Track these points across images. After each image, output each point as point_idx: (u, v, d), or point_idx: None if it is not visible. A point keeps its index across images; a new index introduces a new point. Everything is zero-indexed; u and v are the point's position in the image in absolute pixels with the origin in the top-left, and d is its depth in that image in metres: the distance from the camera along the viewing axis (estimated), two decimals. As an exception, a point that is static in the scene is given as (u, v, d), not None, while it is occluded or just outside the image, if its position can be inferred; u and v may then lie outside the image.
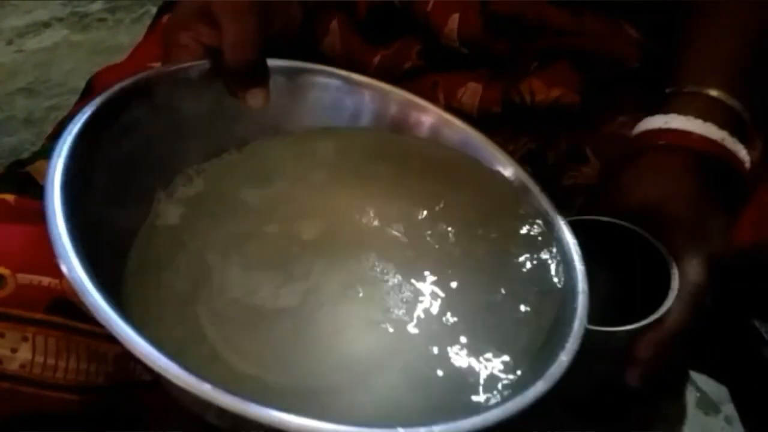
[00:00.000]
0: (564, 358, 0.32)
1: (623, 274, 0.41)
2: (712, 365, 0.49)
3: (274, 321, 0.35)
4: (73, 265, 0.31)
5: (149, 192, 0.40)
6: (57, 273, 0.41)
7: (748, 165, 0.44)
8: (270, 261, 0.38)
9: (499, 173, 0.43)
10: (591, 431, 0.43)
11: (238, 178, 0.42)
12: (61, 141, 0.35)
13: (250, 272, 0.37)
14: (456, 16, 0.51)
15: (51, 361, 0.41)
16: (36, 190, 0.45)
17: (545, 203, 0.41)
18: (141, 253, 0.38)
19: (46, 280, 0.40)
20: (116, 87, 0.39)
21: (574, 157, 0.52)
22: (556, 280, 0.37)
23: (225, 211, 0.40)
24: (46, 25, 1.37)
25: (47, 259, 0.40)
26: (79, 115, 0.36)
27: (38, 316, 0.40)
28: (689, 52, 0.47)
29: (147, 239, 0.38)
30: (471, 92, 0.52)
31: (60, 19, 1.38)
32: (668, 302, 0.38)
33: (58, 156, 0.34)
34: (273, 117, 0.44)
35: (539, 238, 0.39)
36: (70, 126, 0.36)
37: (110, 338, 0.42)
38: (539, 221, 0.40)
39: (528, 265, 0.38)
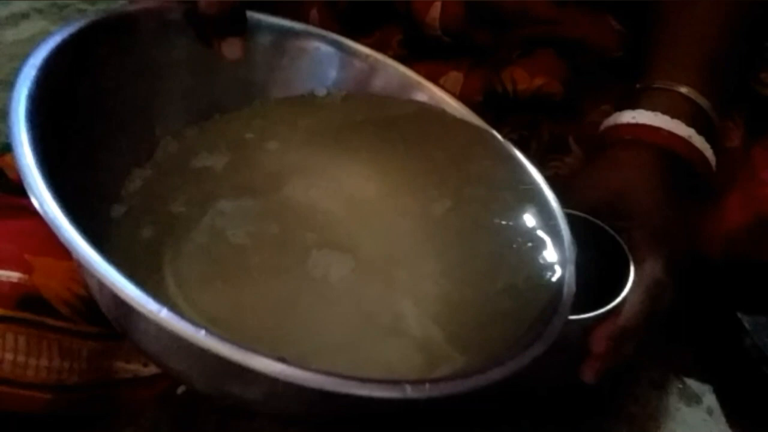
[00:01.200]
0: (557, 323, 0.32)
1: (589, 267, 0.41)
2: (695, 357, 0.49)
3: (243, 278, 0.34)
4: (42, 196, 0.28)
5: (123, 145, 0.38)
6: (27, 268, 0.40)
7: (713, 164, 0.44)
8: (242, 219, 0.36)
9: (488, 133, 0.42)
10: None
11: (213, 143, 0.40)
12: (26, 66, 0.33)
13: (220, 227, 0.36)
14: (438, 5, 0.50)
15: (21, 358, 0.40)
16: (5, 184, 0.43)
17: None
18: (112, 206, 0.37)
19: (15, 276, 0.40)
20: (85, 21, 0.36)
21: (556, 147, 0.52)
22: (546, 252, 0.36)
23: (197, 175, 0.38)
24: (25, 16, 1.34)
25: (17, 254, 0.40)
26: (47, 42, 0.34)
27: (8, 312, 0.39)
28: (661, 48, 0.47)
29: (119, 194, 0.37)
30: (452, 81, 0.51)
31: (39, 11, 1.35)
32: (622, 294, 0.38)
33: (24, 81, 0.32)
34: (256, 79, 0.43)
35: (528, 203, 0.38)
36: (37, 51, 0.33)
37: (84, 335, 0.42)
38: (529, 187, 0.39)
39: (520, 234, 0.37)
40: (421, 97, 0.44)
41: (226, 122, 0.41)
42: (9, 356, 0.39)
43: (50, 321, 0.40)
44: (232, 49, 0.40)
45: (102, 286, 0.28)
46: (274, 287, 0.34)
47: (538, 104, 0.51)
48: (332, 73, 0.44)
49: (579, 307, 0.37)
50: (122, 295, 0.26)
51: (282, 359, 0.25)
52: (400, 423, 0.37)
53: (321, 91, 0.44)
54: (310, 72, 0.44)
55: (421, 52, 0.52)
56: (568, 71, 0.51)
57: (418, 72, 0.51)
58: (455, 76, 0.51)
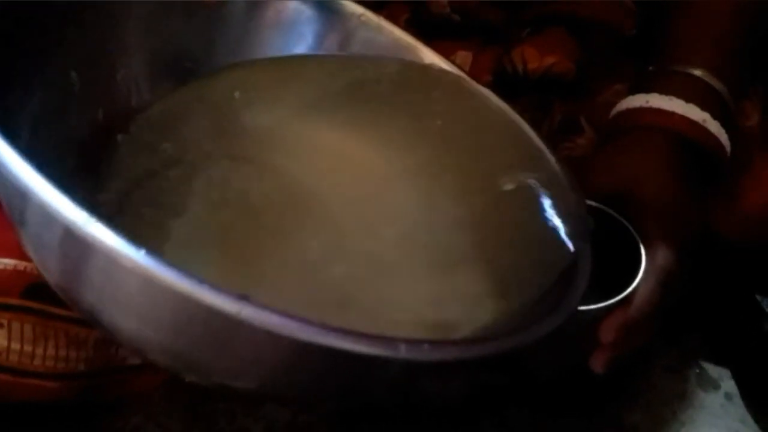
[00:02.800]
0: (575, 294, 0.30)
1: (601, 256, 0.40)
2: (712, 341, 0.48)
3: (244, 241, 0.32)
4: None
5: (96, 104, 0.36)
6: (31, 257, 0.39)
7: (728, 149, 0.43)
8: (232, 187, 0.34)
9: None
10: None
11: (194, 108, 0.38)
12: None
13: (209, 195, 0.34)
14: None
15: (28, 347, 0.39)
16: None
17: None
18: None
19: (21, 265, 0.39)
20: None
21: (568, 128, 0.50)
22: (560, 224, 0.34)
23: (180, 142, 0.36)
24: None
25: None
26: None
27: (14, 301, 0.39)
28: (675, 29, 0.46)
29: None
30: (461, 61, 0.50)
31: None
32: (633, 285, 0.37)
33: None
34: (242, 38, 0.41)
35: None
36: None
37: (89, 323, 0.41)
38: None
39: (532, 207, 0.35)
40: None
41: (206, 85, 0.39)
42: (15, 345, 0.39)
43: (56, 310, 0.40)
44: None
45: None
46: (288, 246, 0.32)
47: (549, 84, 0.50)
48: (313, 36, 0.43)
49: (590, 298, 0.36)
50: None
51: (244, 296, 0.21)
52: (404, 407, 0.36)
53: (303, 52, 0.42)
54: (291, 32, 0.42)
55: (429, 31, 0.51)
56: (580, 50, 0.50)
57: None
58: (464, 56, 0.50)
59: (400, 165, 0.36)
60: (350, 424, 0.42)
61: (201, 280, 0.21)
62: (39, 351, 0.40)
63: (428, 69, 0.42)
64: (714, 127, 0.42)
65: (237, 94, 0.39)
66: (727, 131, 0.43)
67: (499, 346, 0.26)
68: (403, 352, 0.23)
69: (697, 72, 0.43)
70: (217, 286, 0.21)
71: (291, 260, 0.32)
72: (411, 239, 0.34)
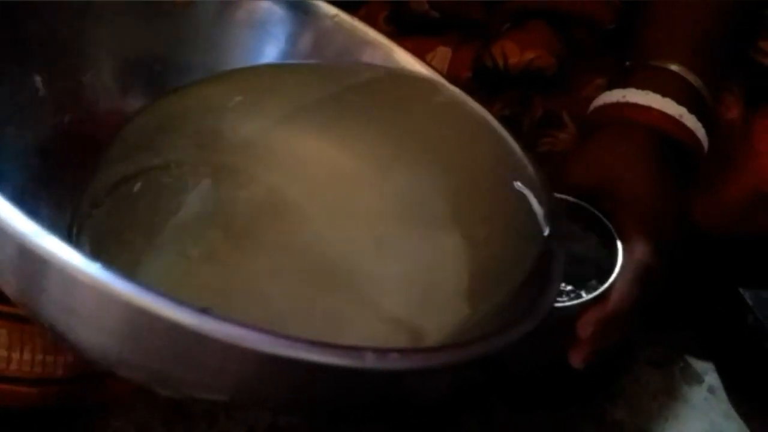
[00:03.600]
0: (549, 296, 0.30)
1: (578, 251, 0.40)
2: (696, 335, 0.48)
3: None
4: None
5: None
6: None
7: (705, 144, 0.43)
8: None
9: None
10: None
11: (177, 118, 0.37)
12: None
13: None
14: None
15: (4, 353, 0.39)
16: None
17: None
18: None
19: (-6, 269, 0.38)
20: None
21: (549, 123, 0.50)
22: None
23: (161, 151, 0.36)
24: None
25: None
26: None
27: (-13, 306, 0.38)
28: (651, 25, 0.45)
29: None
30: (440, 57, 0.50)
31: None
32: (609, 280, 0.37)
33: None
34: (213, 39, 0.40)
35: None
36: None
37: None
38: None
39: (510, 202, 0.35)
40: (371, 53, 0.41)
41: (186, 95, 0.38)
42: (-9, 351, 0.39)
43: (31, 314, 0.39)
44: None
45: None
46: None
47: (530, 79, 0.50)
48: (285, 36, 0.42)
49: (568, 293, 0.37)
50: None
51: (205, 310, 0.21)
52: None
53: (275, 53, 0.41)
54: (263, 33, 0.41)
55: (409, 28, 0.51)
56: (561, 44, 0.50)
57: (405, 48, 0.50)
58: (443, 51, 0.50)
59: (379, 170, 0.36)
60: (332, 425, 0.42)
61: (160, 293, 0.21)
62: (15, 356, 0.39)
63: (406, 75, 0.41)
64: (691, 121, 0.42)
65: (216, 105, 0.38)
66: (705, 126, 0.43)
67: (470, 353, 0.25)
68: (370, 362, 0.22)
69: (674, 67, 0.43)
70: (177, 300, 0.21)
71: (265, 269, 0.31)
72: (389, 242, 0.33)
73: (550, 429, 0.42)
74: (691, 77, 0.43)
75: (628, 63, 0.45)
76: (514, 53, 0.49)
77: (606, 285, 0.36)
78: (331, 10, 0.42)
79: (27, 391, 0.40)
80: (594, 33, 0.50)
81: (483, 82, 0.50)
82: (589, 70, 0.51)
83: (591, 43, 0.51)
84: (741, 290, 0.43)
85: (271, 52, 0.42)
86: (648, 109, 0.42)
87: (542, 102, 0.51)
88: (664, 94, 0.42)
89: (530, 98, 0.51)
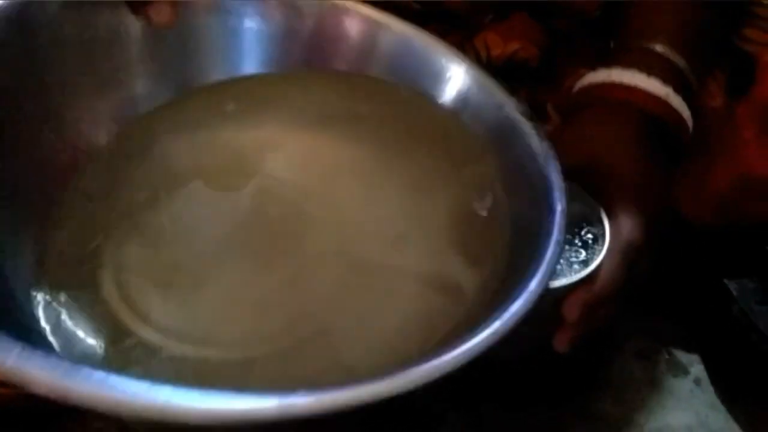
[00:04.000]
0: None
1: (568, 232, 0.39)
2: (682, 326, 0.47)
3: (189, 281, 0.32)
4: None
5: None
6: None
7: (690, 125, 0.43)
8: (195, 213, 0.34)
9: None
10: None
11: (176, 127, 0.38)
12: None
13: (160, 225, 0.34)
14: None
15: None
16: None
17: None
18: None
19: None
20: None
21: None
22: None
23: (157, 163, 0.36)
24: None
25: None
26: None
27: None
28: (637, 7, 0.45)
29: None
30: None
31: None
32: (596, 261, 0.36)
33: None
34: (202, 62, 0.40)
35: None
36: None
37: None
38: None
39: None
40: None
41: (189, 102, 0.39)
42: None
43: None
44: (161, 14, 0.35)
45: None
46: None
47: (513, 70, 0.49)
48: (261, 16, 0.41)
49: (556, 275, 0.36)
50: None
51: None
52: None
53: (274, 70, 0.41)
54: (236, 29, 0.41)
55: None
56: (544, 35, 0.49)
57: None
58: (425, 44, 0.49)
59: (370, 177, 0.37)
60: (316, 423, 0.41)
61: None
62: (-7, 357, 0.39)
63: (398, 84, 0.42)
64: (676, 101, 0.42)
65: (213, 115, 0.39)
66: (690, 108, 0.42)
67: (434, 371, 0.25)
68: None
69: (659, 48, 0.43)
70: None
71: (265, 283, 0.32)
72: (393, 246, 0.34)
73: (536, 422, 0.42)
74: (676, 58, 0.42)
75: (612, 44, 0.45)
76: (497, 45, 0.49)
77: (592, 266, 0.36)
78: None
79: (6, 393, 0.40)
80: (577, 23, 0.50)
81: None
82: (573, 61, 0.50)
83: (574, 33, 0.50)
84: (726, 281, 0.43)
85: (245, 37, 0.41)
86: (633, 89, 0.41)
87: (526, 94, 0.50)
88: (649, 74, 0.42)
89: (514, 91, 0.50)
